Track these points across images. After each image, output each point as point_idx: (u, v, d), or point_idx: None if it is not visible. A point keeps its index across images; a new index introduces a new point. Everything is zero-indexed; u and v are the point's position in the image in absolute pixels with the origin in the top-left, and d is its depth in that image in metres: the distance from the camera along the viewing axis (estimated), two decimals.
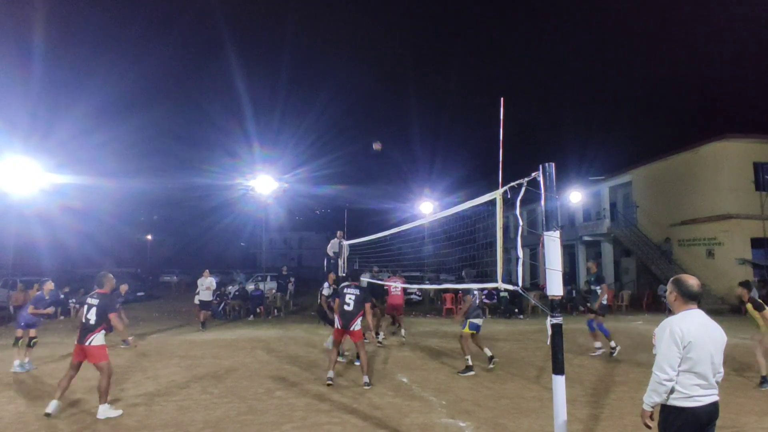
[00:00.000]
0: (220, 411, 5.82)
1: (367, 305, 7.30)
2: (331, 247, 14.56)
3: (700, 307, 3.01)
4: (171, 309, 19.88)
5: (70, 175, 20.86)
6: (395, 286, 11.75)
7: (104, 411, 5.48)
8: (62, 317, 16.99)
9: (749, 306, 6.84)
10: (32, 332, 8.11)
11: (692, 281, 2.97)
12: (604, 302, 9.55)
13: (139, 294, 23.34)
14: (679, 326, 2.84)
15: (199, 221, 57.21)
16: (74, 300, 17.86)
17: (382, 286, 11.97)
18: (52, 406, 5.49)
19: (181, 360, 9.01)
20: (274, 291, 19.29)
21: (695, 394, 2.80)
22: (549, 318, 3.75)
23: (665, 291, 18.42)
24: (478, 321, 7.98)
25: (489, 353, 8.05)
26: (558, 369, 3.65)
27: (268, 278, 25.20)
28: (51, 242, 31.02)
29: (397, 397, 6.45)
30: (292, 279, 22.20)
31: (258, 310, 17.23)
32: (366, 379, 6.91)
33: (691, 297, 2.95)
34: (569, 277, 25.42)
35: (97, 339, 5.59)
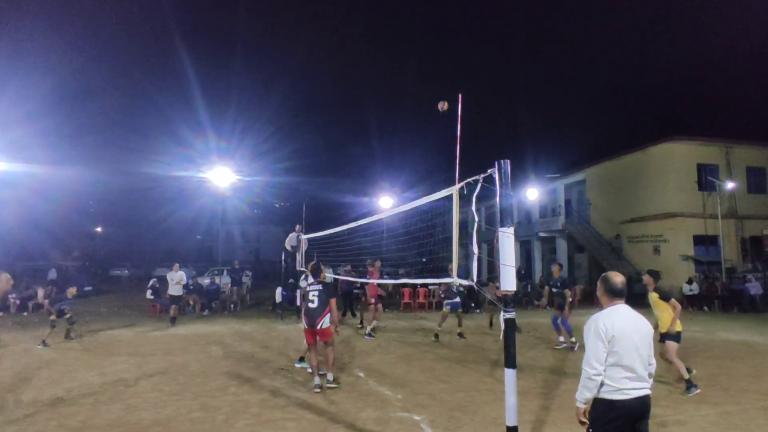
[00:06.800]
0: (170, 409, 5.65)
1: (332, 300, 6.64)
2: (289, 241, 14.40)
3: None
4: (121, 304, 19.15)
5: (13, 162, 19.64)
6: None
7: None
8: (1, 313, 16.08)
9: (654, 296, 6.57)
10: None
11: (617, 279, 3.13)
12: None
13: (86, 289, 22.11)
14: (603, 322, 2.98)
15: (152, 213, 55.05)
16: (14, 295, 16.89)
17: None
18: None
19: (130, 357, 8.70)
20: (229, 285, 18.90)
21: (624, 387, 2.90)
22: (502, 313, 3.82)
23: None
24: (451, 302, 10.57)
25: (460, 329, 10.87)
26: (510, 362, 3.72)
27: (225, 272, 24.62)
28: None
29: (353, 392, 6.44)
30: (249, 273, 21.79)
31: (213, 305, 16.85)
32: (330, 376, 6.64)
33: (615, 294, 3.10)
34: (525, 272, 26.05)
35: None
